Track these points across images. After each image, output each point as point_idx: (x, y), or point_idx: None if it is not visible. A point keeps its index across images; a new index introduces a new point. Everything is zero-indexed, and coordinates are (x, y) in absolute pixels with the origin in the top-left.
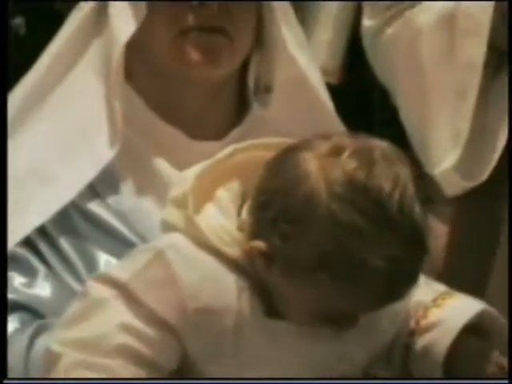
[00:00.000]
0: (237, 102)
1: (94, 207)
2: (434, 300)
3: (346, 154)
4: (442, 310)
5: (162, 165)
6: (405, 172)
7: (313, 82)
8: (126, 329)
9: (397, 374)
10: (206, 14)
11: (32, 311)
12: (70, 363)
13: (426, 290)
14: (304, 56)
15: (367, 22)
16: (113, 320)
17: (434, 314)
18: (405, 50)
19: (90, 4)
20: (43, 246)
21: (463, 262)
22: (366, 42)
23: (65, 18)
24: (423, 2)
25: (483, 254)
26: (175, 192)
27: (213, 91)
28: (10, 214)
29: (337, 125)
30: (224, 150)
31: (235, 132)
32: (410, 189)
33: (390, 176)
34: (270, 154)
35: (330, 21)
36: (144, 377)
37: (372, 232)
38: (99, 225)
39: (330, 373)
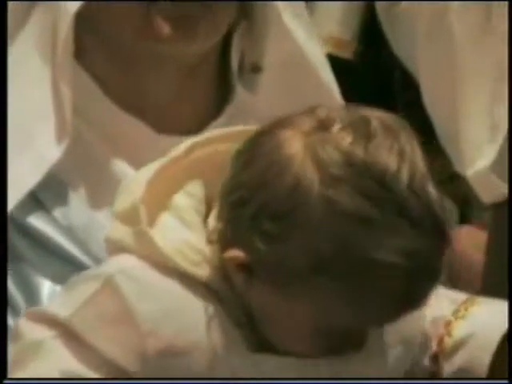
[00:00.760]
0: (217, 86)
1: (37, 222)
2: (456, 312)
3: (336, 128)
4: (469, 323)
5: (122, 166)
6: (411, 145)
7: (313, 60)
8: (71, 378)
9: None
10: None
11: None
12: None
13: (442, 301)
14: (302, 27)
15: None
16: (52, 367)
17: (459, 330)
18: (429, 23)
19: None
20: None
21: (502, 270)
22: (381, 12)
23: None
24: None
25: None
26: (121, 203)
27: (187, 73)
28: None
29: None
30: (180, 146)
31: (215, 124)
32: (420, 165)
33: (394, 150)
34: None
35: None
36: None
37: (380, 220)
38: (43, 244)
39: None
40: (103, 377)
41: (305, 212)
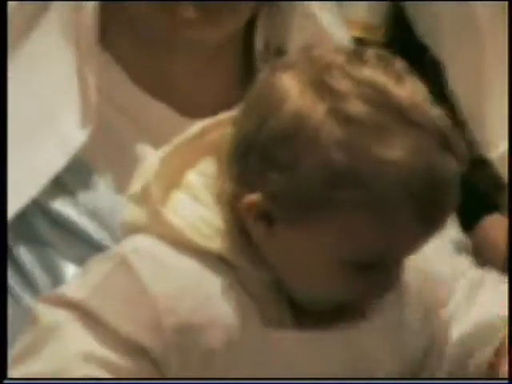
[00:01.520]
0: (241, 70)
1: (62, 206)
2: None
3: (330, 57)
4: None
5: (148, 150)
6: (408, 73)
7: (337, 44)
8: (90, 358)
9: None
10: None
11: None
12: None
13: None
14: (327, 10)
15: None
16: (72, 349)
17: None
18: (453, 7)
19: None
20: None
21: None
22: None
23: None
24: None
25: None
26: (135, 185)
27: (211, 57)
28: None
29: None
30: (192, 128)
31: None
32: (419, 86)
33: (391, 72)
34: None
35: None
36: None
37: (387, 125)
38: (68, 229)
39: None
40: (122, 355)
41: (312, 127)
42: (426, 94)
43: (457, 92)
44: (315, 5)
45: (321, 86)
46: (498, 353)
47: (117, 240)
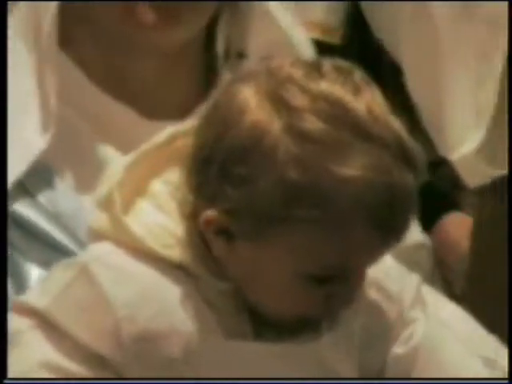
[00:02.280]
0: (202, 72)
1: (23, 209)
2: None
3: (287, 69)
4: None
5: (109, 151)
6: (367, 84)
7: (297, 46)
8: (48, 367)
9: None
10: None
11: None
12: None
13: (482, 339)
14: (286, 13)
15: None
16: (32, 357)
17: None
18: (411, 8)
19: None
20: None
21: (487, 255)
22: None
23: None
24: None
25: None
26: (100, 191)
27: (172, 59)
28: None
29: None
30: (161, 133)
31: (201, 109)
32: (378, 99)
33: (349, 85)
34: None
35: None
36: None
37: (345, 141)
38: (30, 231)
39: None
40: (81, 365)
41: (268, 144)
42: (385, 105)
43: (414, 94)
44: (273, 5)
45: (278, 100)
46: None
47: (79, 242)
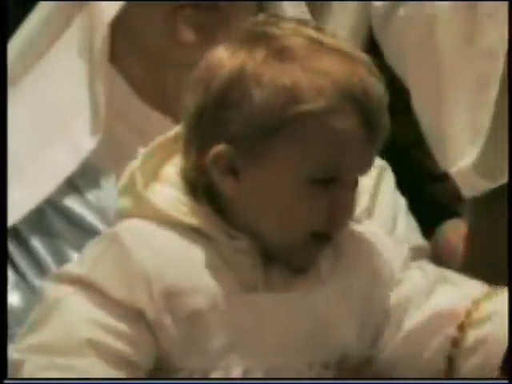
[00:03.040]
0: None
1: (72, 204)
2: (486, 294)
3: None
4: (494, 303)
5: None
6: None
7: None
8: (93, 323)
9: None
10: None
11: None
12: (33, 368)
13: (472, 284)
14: None
15: (377, 3)
16: (76, 317)
17: (486, 307)
18: (418, 34)
19: None
20: (13, 249)
21: (480, 259)
22: (376, 23)
23: None
24: None
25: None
26: (122, 180)
27: None
28: None
29: None
30: (177, 127)
31: None
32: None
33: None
34: None
35: (350, 3)
36: (119, 377)
37: (321, 50)
38: (77, 223)
39: (313, 340)
40: (122, 320)
41: (253, 70)
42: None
43: (419, 114)
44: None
45: (256, 37)
46: (461, 327)
47: None
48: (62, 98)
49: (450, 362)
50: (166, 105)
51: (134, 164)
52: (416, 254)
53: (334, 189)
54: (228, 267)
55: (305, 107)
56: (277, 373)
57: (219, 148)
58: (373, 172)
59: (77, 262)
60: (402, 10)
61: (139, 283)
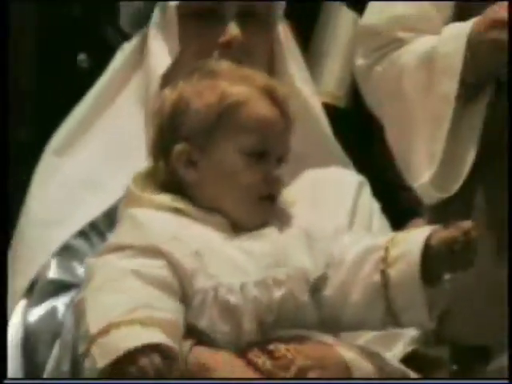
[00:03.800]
0: None
1: (90, 246)
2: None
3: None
4: (404, 243)
5: None
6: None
7: (315, 111)
8: (132, 264)
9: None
10: (229, 51)
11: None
12: (93, 287)
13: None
14: (308, 88)
15: (359, 61)
16: (117, 265)
17: (399, 247)
18: (391, 85)
19: (134, 43)
20: (94, 237)
21: None
22: (359, 78)
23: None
24: (406, 45)
25: None
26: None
27: None
28: (68, 213)
29: (334, 145)
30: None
31: None
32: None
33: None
34: None
35: (338, 53)
36: (160, 297)
37: (240, 75)
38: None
39: (278, 261)
40: (149, 257)
41: (191, 90)
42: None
43: (391, 143)
44: (300, 83)
45: (191, 71)
46: (386, 249)
47: None
48: (126, 134)
49: (382, 272)
50: None
51: (129, 185)
52: None
53: (266, 162)
54: (212, 230)
55: (232, 100)
56: (259, 284)
57: (178, 147)
58: (353, 186)
59: (116, 237)
60: (378, 68)
61: (153, 235)
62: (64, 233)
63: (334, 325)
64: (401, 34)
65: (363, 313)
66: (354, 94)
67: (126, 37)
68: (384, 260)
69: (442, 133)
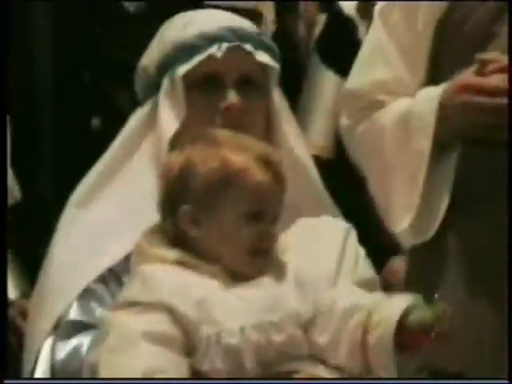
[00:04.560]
0: None
1: (108, 289)
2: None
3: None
4: (385, 310)
5: None
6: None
7: (307, 165)
8: (140, 323)
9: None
10: (230, 115)
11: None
12: (108, 348)
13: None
14: (300, 146)
15: (344, 122)
16: (127, 325)
17: (381, 312)
18: (372, 143)
19: (146, 109)
20: (112, 282)
21: (416, 283)
22: (343, 136)
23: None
24: (386, 107)
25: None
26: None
27: None
28: (89, 259)
29: (323, 195)
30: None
31: None
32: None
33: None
34: None
35: (325, 110)
36: (176, 360)
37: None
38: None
39: (271, 305)
40: (157, 312)
41: (196, 159)
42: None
43: (372, 193)
44: (293, 141)
45: (194, 138)
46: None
47: None
48: (141, 190)
49: (364, 334)
50: None
51: (139, 240)
52: (370, 283)
53: (261, 221)
54: (213, 279)
55: (232, 167)
56: (256, 327)
57: (184, 207)
58: (341, 233)
59: (127, 291)
60: (361, 127)
61: (159, 291)
62: (85, 278)
63: (321, 361)
64: (381, 97)
65: (345, 360)
66: (340, 145)
67: (137, 103)
68: (366, 324)
69: (418, 185)
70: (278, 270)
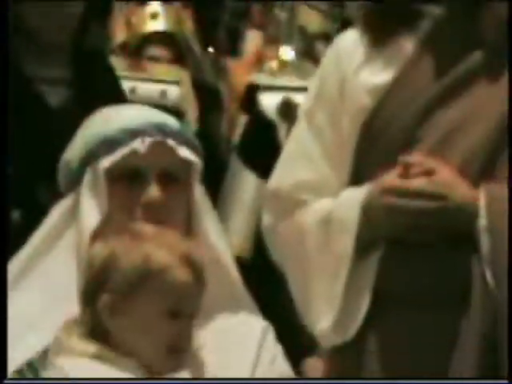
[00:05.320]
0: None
1: None
2: None
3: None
4: None
5: None
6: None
7: (227, 263)
8: None
9: None
10: (151, 209)
11: None
12: None
13: None
14: (220, 243)
15: (266, 222)
16: None
17: None
18: (293, 243)
19: (68, 200)
20: (29, 375)
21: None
22: (265, 236)
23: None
24: (308, 207)
25: None
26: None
27: None
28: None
29: (242, 293)
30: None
31: None
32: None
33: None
34: None
35: (244, 210)
36: None
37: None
38: None
39: None
40: None
41: (119, 252)
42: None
43: (293, 293)
44: (214, 238)
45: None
46: None
47: None
48: (61, 282)
49: None
50: None
51: (57, 333)
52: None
53: (179, 320)
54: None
55: (154, 265)
56: None
57: (104, 297)
58: (258, 331)
59: None
60: (283, 226)
61: None
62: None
63: None
64: (303, 196)
65: None
66: (259, 245)
67: (58, 195)
68: None
69: (339, 287)
70: (194, 367)
